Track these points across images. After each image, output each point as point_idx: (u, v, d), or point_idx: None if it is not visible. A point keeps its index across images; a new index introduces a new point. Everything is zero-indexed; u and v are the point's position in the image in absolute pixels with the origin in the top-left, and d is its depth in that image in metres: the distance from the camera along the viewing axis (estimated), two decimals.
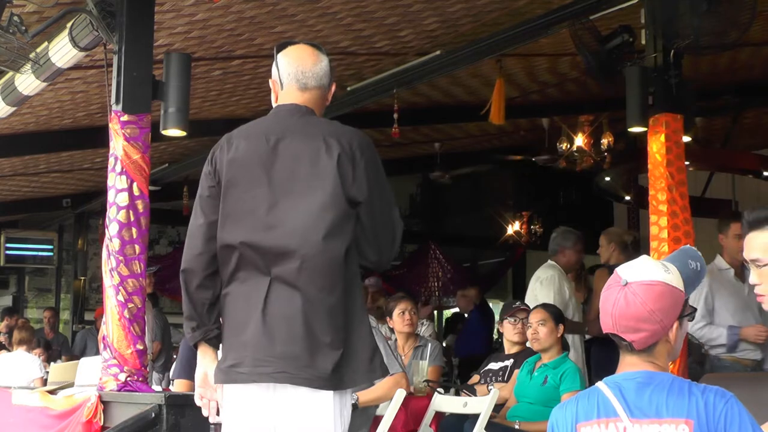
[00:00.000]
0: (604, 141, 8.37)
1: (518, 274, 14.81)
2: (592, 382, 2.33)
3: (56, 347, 11.11)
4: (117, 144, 4.60)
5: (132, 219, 4.55)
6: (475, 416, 5.00)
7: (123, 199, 4.55)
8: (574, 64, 7.30)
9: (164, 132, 4.81)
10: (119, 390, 4.41)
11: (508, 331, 5.95)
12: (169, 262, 10.91)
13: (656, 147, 4.98)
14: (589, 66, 5.66)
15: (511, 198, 13.80)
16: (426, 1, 5.85)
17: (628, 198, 10.44)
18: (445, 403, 5.39)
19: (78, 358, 7.80)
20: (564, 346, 5.53)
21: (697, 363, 5.72)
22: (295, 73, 2.96)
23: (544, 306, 5.66)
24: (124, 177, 4.56)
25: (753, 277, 2.51)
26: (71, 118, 7.94)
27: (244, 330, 2.80)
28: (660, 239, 4.90)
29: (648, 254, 4.34)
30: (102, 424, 4.32)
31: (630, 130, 5.25)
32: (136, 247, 4.55)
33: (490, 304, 11.95)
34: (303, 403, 2.75)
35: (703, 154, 8.91)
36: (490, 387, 5.65)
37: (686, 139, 5.26)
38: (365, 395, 4.94)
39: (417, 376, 5.72)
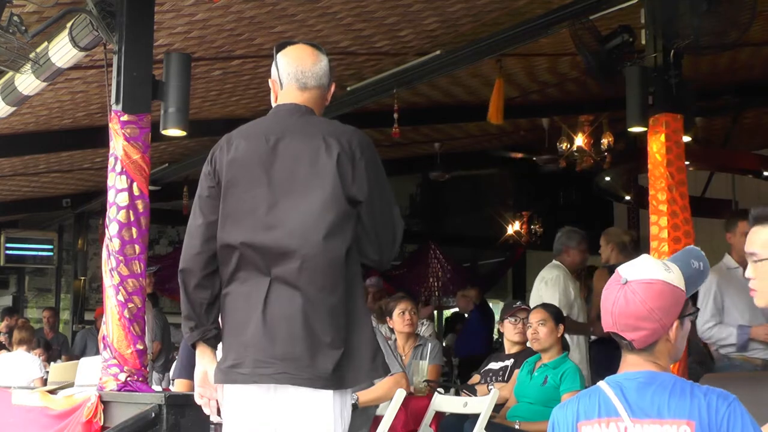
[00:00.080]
0: (604, 141, 8.37)
1: (518, 274, 14.83)
2: (594, 383, 2.33)
3: (56, 347, 11.11)
4: (117, 144, 4.60)
5: (132, 219, 4.55)
6: (475, 416, 5.00)
7: (123, 199, 4.55)
8: (574, 64, 7.30)
9: (164, 132, 4.81)
10: (119, 390, 4.41)
11: (509, 331, 5.95)
12: (169, 262, 10.91)
13: (656, 147, 4.98)
14: (589, 66, 5.66)
15: (511, 198, 13.81)
16: (426, 1, 5.85)
17: (628, 198, 10.45)
18: (445, 403, 5.39)
19: (78, 358, 7.80)
20: (564, 346, 5.52)
21: (697, 363, 5.73)
22: (294, 72, 2.96)
23: (544, 306, 5.66)
24: (124, 177, 4.56)
25: (749, 271, 2.53)
26: (71, 118, 7.94)
27: (245, 330, 2.80)
28: (660, 239, 4.90)
29: (648, 254, 4.33)
30: (102, 424, 4.32)
31: (630, 130, 5.26)
32: (136, 247, 4.55)
33: (490, 304, 11.96)
34: (304, 403, 2.75)
35: (703, 154, 8.92)
36: (490, 387, 5.65)
37: (686, 139, 5.26)
38: (365, 395, 4.95)
39: (417, 376, 5.72)
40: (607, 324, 2.26)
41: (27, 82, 5.71)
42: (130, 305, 4.50)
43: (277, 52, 3.02)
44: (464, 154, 11.50)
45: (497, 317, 8.32)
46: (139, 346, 4.51)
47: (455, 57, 6.60)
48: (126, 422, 4.07)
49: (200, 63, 6.54)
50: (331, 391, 2.75)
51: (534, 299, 6.34)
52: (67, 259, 13.22)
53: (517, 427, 5.19)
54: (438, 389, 5.58)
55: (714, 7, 4.73)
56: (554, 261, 6.58)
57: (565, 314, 6.17)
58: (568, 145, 8.63)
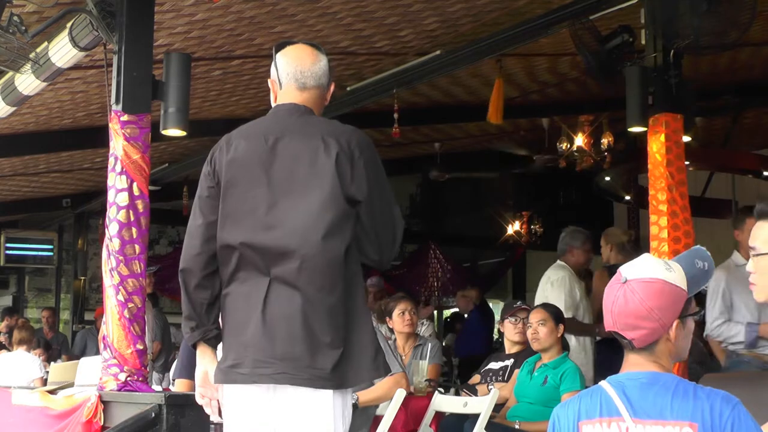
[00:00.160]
0: (604, 141, 8.37)
1: (518, 274, 14.84)
2: (597, 383, 2.33)
3: (56, 346, 11.12)
4: (117, 144, 4.60)
5: (132, 219, 4.55)
6: (475, 416, 5.00)
7: (123, 199, 4.55)
8: (574, 64, 7.30)
9: (164, 132, 4.81)
10: (119, 390, 4.41)
11: (509, 331, 5.95)
12: (169, 262, 10.91)
13: (656, 147, 4.98)
14: (589, 66, 5.66)
15: (511, 198, 13.80)
16: (426, 1, 5.85)
17: (628, 198, 10.44)
18: (445, 403, 5.39)
19: (78, 358, 7.80)
20: (564, 346, 5.52)
21: (697, 363, 5.72)
22: (293, 72, 2.96)
23: (544, 306, 5.66)
24: (124, 177, 4.56)
25: (749, 265, 2.54)
26: (71, 118, 7.94)
27: (244, 330, 2.80)
28: (660, 239, 4.90)
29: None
30: (102, 424, 4.32)
31: (630, 130, 5.25)
32: (136, 246, 4.55)
33: (490, 304, 11.96)
34: (303, 403, 2.75)
35: (703, 154, 8.92)
36: (490, 387, 5.65)
37: (686, 139, 5.25)
38: (365, 395, 4.95)
39: (417, 376, 5.72)
40: (608, 323, 2.26)
41: (27, 82, 5.71)
42: (130, 305, 4.50)
43: (277, 52, 3.02)
44: (464, 154, 11.50)
45: (497, 317, 8.32)
46: (139, 346, 4.51)
47: (455, 57, 6.60)
48: (126, 422, 4.07)
49: (200, 63, 6.54)
50: (330, 391, 2.75)
51: (539, 300, 6.29)
52: (67, 259, 13.22)
53: (517, 427, 5.19)
54: (438, 389, 5.58)
55: (714, 7, 4.73)
56: (559, 261, 6.52)
57: (570, 315, 6.18)
58: (568, 145, 8.62)
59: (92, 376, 4.91)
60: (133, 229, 4.54)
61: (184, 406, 4.02)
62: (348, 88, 7.42)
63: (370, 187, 2.83)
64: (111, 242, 4.54)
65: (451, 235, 14.57)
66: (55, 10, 5.02)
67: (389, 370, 3.00)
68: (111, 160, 4.64)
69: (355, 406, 4.20)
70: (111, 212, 4.57)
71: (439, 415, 5.46)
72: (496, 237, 13.04)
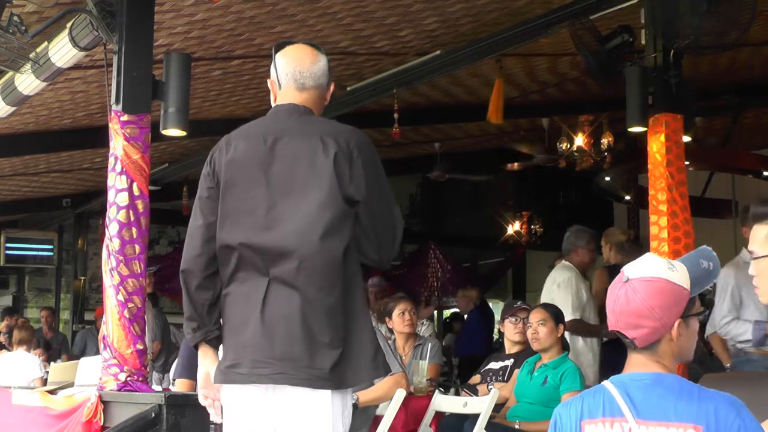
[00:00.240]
0: (604, 141, 8.37)
1: (518, 274, 14.85)
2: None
3: (56, 346, 11.12)
4: (117, 144, 4.60)
5: (132, 219, 4.55)
6: (475, 416, 5.00)
7: (123, 199, 4.55)
8: (574, 64, 7.30)
9: (164, 132, 4.81)
10: (119, 390, 4.41)
11: (509, 331, 5.95)
12: (169, 262, 10.92)
13: (656, 147, 4.98)
14: (589, 66, 5.66)
15: (511, 198, 13.81)
16: (426, 1, 5.85)
17: (628, 198, 10.45)
18: (445, 403, 5.39)
19: (78, 358, 7.80)
20: (564, 346, 5.52)
21: (697, 363, 5.72)
22: (292, 73, 2.96)
23: (544, 306, 5.66)
24: (124, 177, 4.56)
25: (751, 268, 2.54)
26: (71, 118, 7.94)
27: (244, 330, 2.80)
28: (660, 239, 4.90)
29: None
30: (102, 424, 4.32)
31: (630, 130, 5.26)
32: (136, 246, 4.55)
33: (490, 304, 11.96)
34: (302, 403, 2.75)
35: (703, 154, 8.92)
36: (490, 387, 5.65)
37: (686, 139, 5.25)
38: (365, 395, 4.95)
39: (417, 376, 5.71)
40: (611, 322, 2.26)
41: (27, 82, 5.71)
42: (130, 305, 4.50)
43: (276, 52, 3.02)
44: (464, 154, 11.50)
45: (497, 317, 8.32)
46: (139, 346, 4.51)
47: (455, 57, 6.60)
48: (126, 422, 4.07)
49: (200, 63, 6.54)
50: (329, 391, 2.75)
51: (545, 300, 6.27)
52: (67, 259, 13.23)
53: (517, 427, 5.19)
54: (438, 389, 5.57)
55: (714, 7, 4.73)
56: (563, 261, 6.48)
57: (578, 316, 6.17)
58: (568, 145, 8.63)
59: (92, 376, 4.91)
60: (133, 229, 4.54)
61: (184, 406, 4.02)
62: (348, 88, 7.42)
63: (368, 187, 2.83)
64: (111, 242, 4.54)
65: (451, 235, 14.57)
66: (55, 10, 5.02)
67: (389, 370, 3.00)
68: (111, 160, 4.64)
69: (355, 406, 4.19)
70: (111, 212, 4.57)
71: (439, 415, 5.46)
72: (496, 237, 13.04)
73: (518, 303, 6.16)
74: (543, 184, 12.94)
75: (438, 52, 6.71)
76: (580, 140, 8.59)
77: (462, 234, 14.85)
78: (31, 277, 15.02)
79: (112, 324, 4.50)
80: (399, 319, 6.08)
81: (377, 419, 5.11)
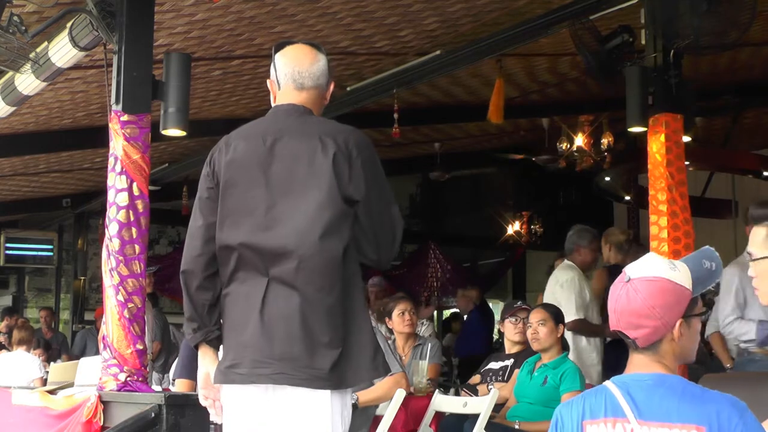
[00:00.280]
0: (604, 141, 8.38)
1: (518, 274, 14.84)
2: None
3: (56, 346, 11.12)
4: (117, 144, 4.60)
5: (132, 219, 4.54)
6: (475, 416, 5.00)
7: (123, 199, 4.55)
8: (574, 64, 7.30)
9: (164, 132, 4.81)
10: (119, 390, 4.41)
11: (509, 331, 5.95)
12: (169, 262, 10.92)
13: (656, 147, 4.98)
14: (589, 66, 5.67)
15: (511, 198, 13.82)
16: (426, 1, 5.85)
17: (628, 198, 10.45)
18: (445, 403, 5.39)
19: (78, 358, 7.80)
20: (564, 346, 5.52)
21: (697, 363, 5.71)
22: (291, 73, 2.96)
23: (544, 306, 5.66)
24: (124, 177, 4.56)
25: (750, 269, 2.54)
26: (71, 118, 7.94)
27: (244, 330, 2.80)
28: (660, 239, 4.90)
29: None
30: (102, 424, 4.32)
31: (630, 130, 5.25)
32: (136, 246, 4.55)
33: (490, 304, 11.96)
34: (301, 403, 2.75)
35: (703, 154, 8.92)
36: (490, 387, 5.65)
37: (686, 139, 5.25)
38: (365, 395, 4.94)
39: (417, 376, 5.71)
40: (612, 322, 2.26)
41: (27, 82, 5.71)
42: (130, 305, 4.50)
43: (276, 52, 3.02)
44: (464, 154, 11.50)
45: (497, 317, 8.32)
46: (139, 346, 4.51)
47: (455, 57, 6.60)
48: (126, 422, 4.07)
49: (200, 63, 6.54)
50: (328, 391, 2.75)
51: (548, 301, 6.26)
52: (67, 259, 13.23)
53: (516, 427, 5.19)
54: (438, 389, 5.57)
55: (714, 7, 4.73)
56: (566, 261, 6.47)
57: (582, 316, 6.17)
58: (568, 145, 8.63)
59: (92, 376, 4.91)
60: (133, 229, 4.54)
61: (184, 406, 4.02)
62: (348, 88, 7.42)
63: (368, 187, 2.82)
64: (111, 242, 4.54)
65: (451, 235, 14.57)
66: (55, 10, 5.02)
67: (389, 370, 3.00)
68: (111, 160, 4.64)
69: (355, 406, 4.20)
70: (111, 212, 4.57)
71: (439, 415, 5.46)
72: (496, 237, 13.04)
73: (518, 303, 6.16)
74: (543, 184, 12.94)
75: (438, 52, 6.71)
76: (580, 140, 8.60)
77: (462, 234, 14.85)
78: (31, 277, 15.02)
79: (112, 324, 4.50)
80: (399, 319, 6.08)
81: (377, 419, 5.11)
